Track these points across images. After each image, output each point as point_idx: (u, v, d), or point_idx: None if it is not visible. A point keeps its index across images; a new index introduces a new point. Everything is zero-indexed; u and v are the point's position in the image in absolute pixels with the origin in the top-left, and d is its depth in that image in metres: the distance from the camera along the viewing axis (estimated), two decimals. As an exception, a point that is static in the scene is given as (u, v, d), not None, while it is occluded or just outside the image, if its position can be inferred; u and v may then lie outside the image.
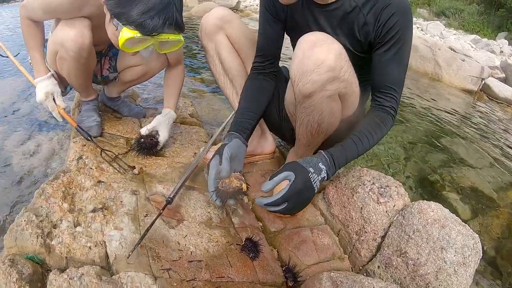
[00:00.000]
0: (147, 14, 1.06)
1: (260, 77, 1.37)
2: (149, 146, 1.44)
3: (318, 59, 0.99)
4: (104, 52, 1.64)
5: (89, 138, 1.43)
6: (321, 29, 1.13)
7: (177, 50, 1.51)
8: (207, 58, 1.48)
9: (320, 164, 1.10)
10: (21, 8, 1.35)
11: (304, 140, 1.22)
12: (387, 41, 1.09)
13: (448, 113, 3.90)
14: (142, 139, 1.44)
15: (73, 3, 1.23)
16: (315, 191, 1.11)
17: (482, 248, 1.78)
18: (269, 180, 1.11)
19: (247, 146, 1.27)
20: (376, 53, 1.13)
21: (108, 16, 1.14)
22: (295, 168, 1.09)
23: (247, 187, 1.15)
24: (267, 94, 1.36)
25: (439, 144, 2.90)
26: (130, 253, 0.98)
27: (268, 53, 1.36)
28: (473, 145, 3.07)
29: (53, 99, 1.46)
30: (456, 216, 1.07)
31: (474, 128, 3.63)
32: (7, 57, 1.73)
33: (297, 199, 1.09)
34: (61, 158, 1.61)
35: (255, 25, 6.41)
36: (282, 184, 1.11)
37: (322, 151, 1.13)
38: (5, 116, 1.93)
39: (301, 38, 1.05)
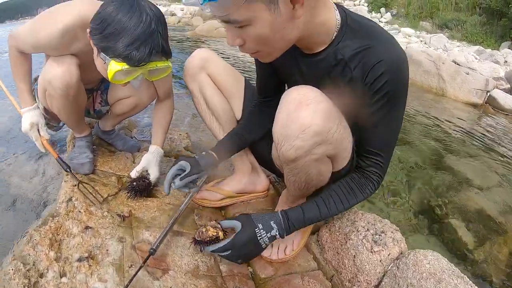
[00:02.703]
0: (132, 46, 1.05)
1: (262, 109, 1.36)
2: (142, 189, 1.43)
3: (303, 124, 0.90)
4: (95, 88, 1.64)
5: (67, 170, 1.45)
6: (304, 79, 1.04)
7: (167, 84, 1.53)
8: (193, 99, 1.47)
9: (272, 223, 1.06)
10: (9, 38, 1.34)
11: (293, 192, 1.18)
12: (375, 102, 0.96)
13: (453, 129, 3.84)
14: (135, 183, 1.43)
15: (62, 40, 1.23)
16: (262, 246, 1.07)
17: (487, 279, 1.73)
18: None
19: (216, 164, 1.29)
20: (363, 112, 1.00)
21: (95, 50, 1.14)
22: (244, 220, 1.08)
23: (225, 234, 1.13)
24: (262, 127, 1.34)
25: (443, 164, 2.83)
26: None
27: (265, 91, 1.34)
28: (480, 163, 3.00)
29: (38, 129, 1.48)
30: (461, 244, 1.02)
31: (480, 143, 3.55)
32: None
33: (240, 250, 1.06)
34: (58, 181, 1.60)
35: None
36: None
37: (279, 210, 1.10)
38: (7, 141, 1.96)
39: (285, 94, 0.97)
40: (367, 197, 1.10)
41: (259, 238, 1.05)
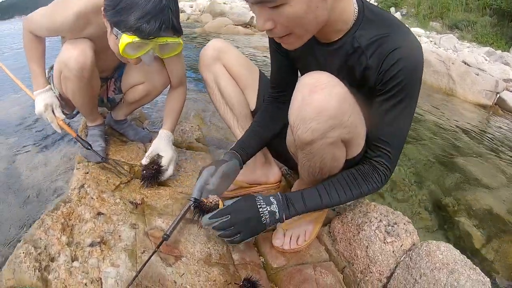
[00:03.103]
0: (143, 19, 1.09)
1: (274, 104, 1.35)
2: (153, 175, 1.43)
3: (318, 106, 0.90)
4: (109, 76, 1.66)
5: (88, 147, 1.49)
6: (321, 69, 1.02)
7: (179, 70, 1.54)
8: (207, 90, 1.47)
9: (271, 198, 1.07)
10: (25, 22, 1.39)
11: (306, 180, 1.18)
12: (388, 90, 0.97)
13: (463, 129, 3.82)
14: (144, 171, 1.43)
15: (76, 23, 1.27)
16: (262, 219, 1.04)
17: (496, 277, 1.72)
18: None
19: (241, 168, 1.26)
20: (375, 101, 1.01)
21: (109, 28, 1.18)
22: (245, 195, 1.11)
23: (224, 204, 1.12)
24: (279, 122, 1.33)
25: (453, 164, 2.82)
26: (125, 292, 0.95)
27: (280, 84, 1.33)
28: (489, 163, 2.98)
29: (52, 111, 1.50)
30: (470, 242, 1.02)
31: (490, 144, 3.53)
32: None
33: (238, 215, 1.04)
34: (68, 173, 1.62)
35: (268, 42, 6.50)
36: None
37: (279, 192, 1.10)
38: (16, 131, 1.98)
39: (300, 79, 0.98)
40: (374, 190, 1.08)
41: (259, 206, 1.04)
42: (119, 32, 1.13)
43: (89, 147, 1.49)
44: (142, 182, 1.44)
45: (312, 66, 1.09)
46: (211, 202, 1.09)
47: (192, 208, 1.13)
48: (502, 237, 2.02)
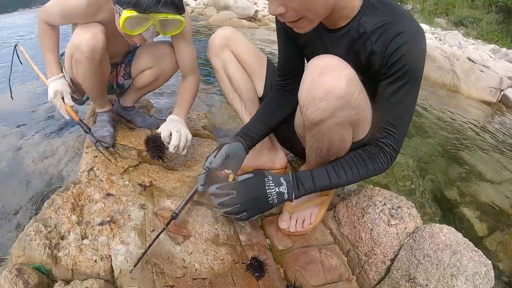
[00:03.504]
0: None
1: (281, 92, 1.37)
2: (158, 146, 1.41)
3: (328, 87, 0.93)
4: (119, 62, 1.69)
5: (87, 131, 1.52)
6: (328, 53, 1.05)
7: (189, 58, 1.56)
8: (216, 76, 1.49)
9: (281, 179, 1.09)
10: (39, 12, 1.45)
11: (313, 162, 1.19)
12: (392, 73, 1.00)
13: (467, 125, 3.82)
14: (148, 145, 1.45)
15: (87, 8, 1.32)
16: (269, 199, 1.07)
17: (498, 267, 1.74)
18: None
19: (247, 153, 1.28)
20: (380, 84, 1.05)
21: (114, 8, 1.24)
22: (255, 172, 1.13)
23: (234, 179, 1.14)
24: (285, 110, 1.35)
25: (456, 157, 2.83)
26: (133, 268, 0.98)
27: (287, 72, 1.35)
28: (492, 158, 2.99)
29: (62, 97, 1.53)
30: (473, 232, 1.04)
31: (493, 140, 3.54)
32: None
33: (245, 193, 1.07)
34: (75, 162, 1.64)
35: (272, 35, 6.50)
36: None
37: (290, 172, 1.12)
38: (26, 121, 2.01)
39: (310, 62, 1.01)
40: (380, 171, 1.10)
41: (266, 186, 1.07)
42: (120, 8, 1.19)
43: (88, 131, 1.51)
44: (154, 157, 1.44)
45: (320, 51, 1.11)
46: (221, 173, 1.12)
47: (203, 178, 1.16)
48: (504, 230, 2.04)
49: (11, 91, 1.83)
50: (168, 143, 1.38)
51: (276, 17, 1.21)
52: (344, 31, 1.06)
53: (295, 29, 1.00)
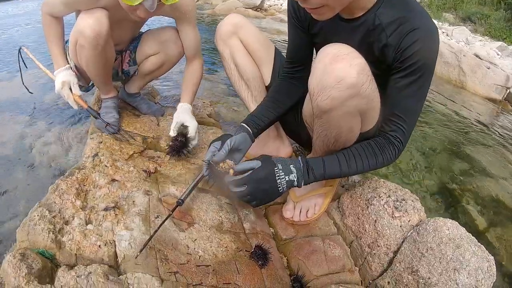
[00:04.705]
0: None
1: (289, 81, 1.36)
2: (183, 144, 1.45)
3: (339, 75, 0.93)
4: (124, 49, 1.68)
5: (97, 116, 1.53)
6: (340, 43, 1.05)
7: (194, 40, 1.56)
8: (223, 63, 1.49)
9: (291, 166, 1.08)
10: (43, 6, 1.43)
11: (320, 151, 1.19)
12: (404, 68, 1.01)
13: (471, 121, 3.80)
14: (172, 142, 1.45)
15: None
16: (279, 189, 1.07)
17: (500, 262, 1.74)
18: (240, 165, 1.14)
19: (253, 142, 1.27)
20: (391, 78, 1.06)
21: None
22: (264, 159, 1.10)
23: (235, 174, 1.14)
24: (292, 98, 1.35)
25: (460, 152, 2.82)
26: (138, 254, 0.98)
27: (296, 59, 1.34)
28: (496, 155, 2.98)
29: (70, 88, 1.52)
30: (475, 227, 1.04)
31: (498, 137, 3.52)
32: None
33: (256, 186, 1.07)
34: (79, 150, 1.64)
35: (278, 25, 6.46)
36: None
37: (299, 157, 1.11)
38: (31, 109, 2.01)
39: (321, 49, 1.00)
40: (387, 162, 1.11)
41: (277, 177, 1.07)
42: None
43: (98, 116, 1.53)
44: (170, 154, 1.45)
45: (332, 40, 1.11)
46: (223, 167, 1.12)
47: (205, 169, 1.17)
48: (506, 225, 2.04)
49: (27, 89, 1.92)
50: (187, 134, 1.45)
51: (288, 3, 1.20)
52: (360, 21, 1.06)
53: (314, 15, 0.99)
